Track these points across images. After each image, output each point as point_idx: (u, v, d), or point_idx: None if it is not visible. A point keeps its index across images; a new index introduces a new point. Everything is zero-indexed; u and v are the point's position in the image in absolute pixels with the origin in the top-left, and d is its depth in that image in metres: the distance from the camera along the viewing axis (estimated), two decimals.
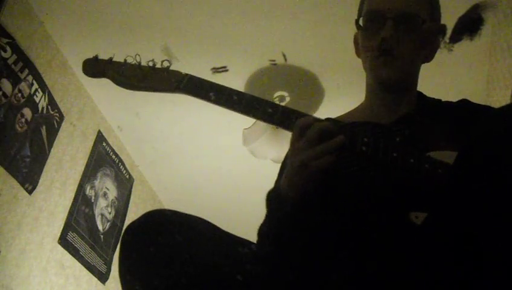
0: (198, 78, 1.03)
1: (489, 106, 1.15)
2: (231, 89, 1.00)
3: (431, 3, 1.10)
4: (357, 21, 1.11)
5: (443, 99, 1.18)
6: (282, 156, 1.19)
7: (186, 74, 1.03)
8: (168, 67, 1.04)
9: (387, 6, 1.06)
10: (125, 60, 1.06)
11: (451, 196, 0.77)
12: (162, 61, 1.04)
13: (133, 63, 1.06)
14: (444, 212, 0.77)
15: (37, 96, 2.58)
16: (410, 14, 1.05)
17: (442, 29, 1.14)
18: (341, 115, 1.18)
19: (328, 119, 1.02)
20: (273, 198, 0.96)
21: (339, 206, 0.95)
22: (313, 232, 0.93)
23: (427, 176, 0.89)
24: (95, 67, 1.07)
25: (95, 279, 3.10)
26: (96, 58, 1.08)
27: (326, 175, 0.87)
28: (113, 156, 3.40)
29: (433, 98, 1.17)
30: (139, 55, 1.05)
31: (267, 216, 0.98)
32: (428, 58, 1.14)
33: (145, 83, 1.04)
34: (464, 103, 1.13)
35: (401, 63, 1.06)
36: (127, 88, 1.06)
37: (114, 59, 1.08)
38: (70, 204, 2.89)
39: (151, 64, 1.05)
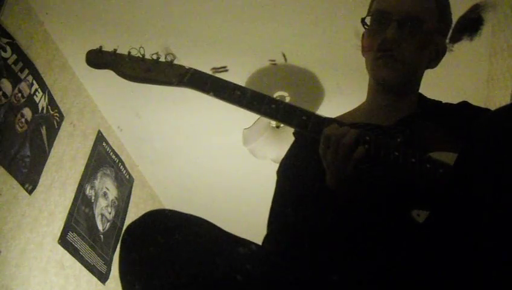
0: (202, 73, 1.03)
1: (488, 109, 1.15)
2: (234, 84, 1.01)
3: (440, 11, 1.11)
4: (363, 19, 1.11)
5: (443, 100, 1.18)
6: (282, 156, 1.19)
7: (190, 68, 1.03)
8: (172, 61, 1.04)
9: (395, 8, 1.07)
10: (129, 52, 1.06)
11: (453, 195, 0.77)
12: (166, 55, 1.04)
13: (137, 55, 1.06)
14: (445, 211, 0.78)
15: (37, 96, 2.58)
16: (417, 19, 1.06)
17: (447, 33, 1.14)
18: (341, 115, 1.17)
19: (328, 118, 1.02)
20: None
21: (340, 205, 0.95)
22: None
23: (429, 176, 0.89)
24: (98, 59, 1.07)
25: (95, 279, 3.10)
26: (100, 49, 1.08)
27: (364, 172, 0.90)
28: (113, 156, 3.40)
29: (434, 100, 1.18)
30: (143, 47, 1.05)
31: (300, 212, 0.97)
32: (433, 64, 1.15)
33: (149, 75, 1.04)
34: (464, 105, 1.14)
35: (402, 65, 1.06)
36: (129, 80, 1.06)
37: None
38: (70, 204, 2.89)
39: (155, 57, 1.05)
